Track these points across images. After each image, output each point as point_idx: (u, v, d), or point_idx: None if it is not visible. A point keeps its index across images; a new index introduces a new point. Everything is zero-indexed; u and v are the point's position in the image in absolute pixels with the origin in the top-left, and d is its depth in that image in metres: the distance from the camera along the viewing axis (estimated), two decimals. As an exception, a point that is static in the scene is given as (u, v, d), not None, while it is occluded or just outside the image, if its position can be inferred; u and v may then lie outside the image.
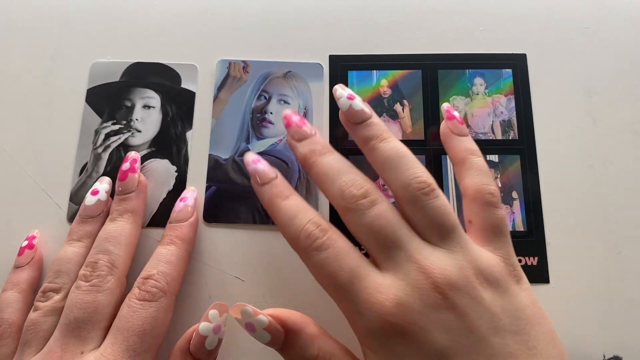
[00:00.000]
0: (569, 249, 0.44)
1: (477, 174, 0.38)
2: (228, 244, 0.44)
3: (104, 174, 0.45)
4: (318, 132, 0.40)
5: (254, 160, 0.40)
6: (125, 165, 0.42)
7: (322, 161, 0.38)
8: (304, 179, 0.45)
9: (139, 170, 0.43)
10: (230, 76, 0.49)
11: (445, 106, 0.42)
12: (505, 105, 0.47)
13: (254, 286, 0.43)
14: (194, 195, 0.44)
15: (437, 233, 0.35)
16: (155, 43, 0.50)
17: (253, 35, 0.50)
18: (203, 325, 0.36)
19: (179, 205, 0.43)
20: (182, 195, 0.44)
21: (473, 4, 0.51)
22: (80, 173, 0.46)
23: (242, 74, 0.49)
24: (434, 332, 0.32)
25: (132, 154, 0.43)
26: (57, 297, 0.38)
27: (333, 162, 0.38)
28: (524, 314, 0.33)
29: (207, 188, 0.45)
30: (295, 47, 0.49)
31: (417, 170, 0.36)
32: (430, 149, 0.46)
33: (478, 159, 0.39)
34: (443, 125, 0.42)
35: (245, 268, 0.43)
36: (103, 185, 0.43)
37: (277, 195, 0.38)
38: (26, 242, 0.43)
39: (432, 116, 0.47)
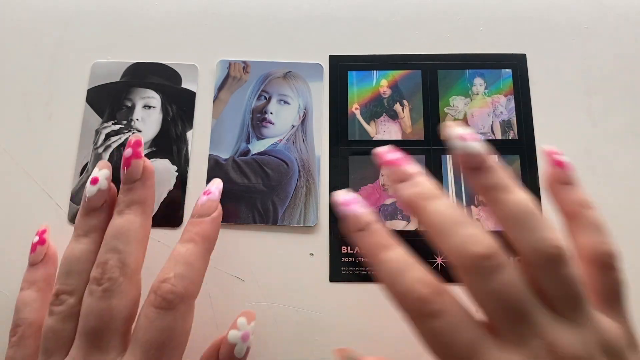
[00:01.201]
0: (568, 248, 0.44)
1: (592, 231, 0.35)
2: (228, 243, 0.44)
3: None
4: (422, 170, 0.36)
5: (345, 202, 0.36)
6: (128, 152, 0.39)
7: (433, 208, 0.33)
8: (304, 179, 0.46)
9: (143, 155, 0.39)
10: (230, 76, 0.49)
11: (547, 149, 0.38)
12: (505, 106, 0.48)
13: (254, 286, 0.43)
14: (219, 187, 0.41)
15: (569, 305, 0.32)
16: (155, 43, 0.50)
17: (253, 35, 0.50)
18: (232, 333, 0.35)
19: (202, 198, 0.40)
20: (207, 188, 0.41)
21: (473, 4, 0.51)
22: (81, 173, 0.46)
23: (242, 74, 0.49)
24: None
25: (134, 137, 0.40)
26: (71, 301, 0.36)
27: (446, 210, 0.33)
28: None
29: None
30: (295, 47, 0.50)
31: (549, 232, 0.32)
32: (430, 149, 0.46)
33: (592, 213, 0.36)
34: (548, 173, 0.38)
35: (245, 268, 0.44)
36: (102, 171, 0.40)
37: (380, 246, 0.34)
38: (37, 238, 0.41)
39: (431, 116, 0.47)
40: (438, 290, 0.32)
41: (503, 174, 0.34)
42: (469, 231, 0.32)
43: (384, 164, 0.36)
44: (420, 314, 0.31)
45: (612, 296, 0.34)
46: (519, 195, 0.33)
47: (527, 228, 0.32)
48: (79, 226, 0.39)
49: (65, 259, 0.38)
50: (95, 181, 0.39)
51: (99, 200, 0.39)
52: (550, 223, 0.33)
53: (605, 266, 0.34)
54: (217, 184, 0.41)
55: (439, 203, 0.34)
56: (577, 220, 0.36)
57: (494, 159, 0.34)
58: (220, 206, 0.40)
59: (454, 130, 0.35)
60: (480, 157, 0.34)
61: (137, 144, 0.39)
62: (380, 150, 0.37)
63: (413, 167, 0.35)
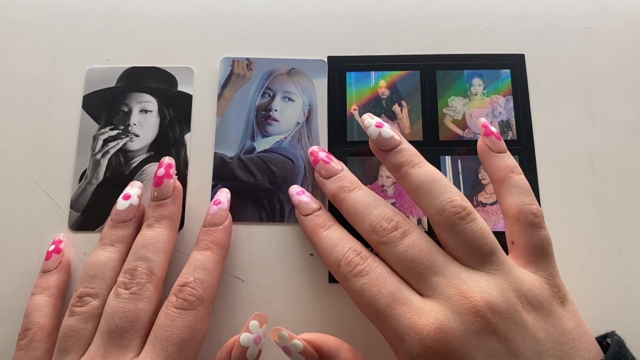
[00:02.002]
0: (568, 249, 0.45)
1: (518, 193, 0.39)
2: (233, 242, 0.45)
3: (103, 180, 0.47)
4: (345, 167, 0.44)
5: (297, 192, 0.44)
6: (161, 171, 0.43)
7: (351, 197, 0.41)
8: (310, 176, 0.47)
9: (174, 176, 0.43)
10: (234, 74, 0.50)
11: (481, 121, 0.43)
12: (504, 106, 0.49)
13: (254, 286, 0.44)
14: (227, 197, 0.44)
15: (476, 257, 0.36)
16: (150, 47, 0.51)
17: (252, 36, 0.51)
18: (244, 336, 0.37)
19: (212, 208, 0.43)
20: (215, 198, 0.44)
21: (472, 4, 0.52)
22: (80, 180, 0.47)
23: (246, 71, 0.50)
24: (477, 358, 0.33)
25: (167, 160, 0.44)
26: (95, 302, 0.39)
27: (362, 198, 0.40)
28: (568, 338, 0.34)
29: (213, 187, 0.47)
30: (294, 49, 0.51)
31: (451, 194, 0.37)
32: (429, 150, 0.47)
33: (518, 177, 0.40)
34: (480, 142, 0.42)
35: (245, 268, 0.45)
36: (135, 189, 0.44)
37: (319, 226, 0.41)
38: (53, 246, 0.44)
39: (430, 117, 0.48)
40: (364, 255, 0.38)
41: (413, 152, 0.40)
42: (379, 211, 0.39)
43: (313, 162, 0.44)
44: (348, 275, 0.37)
45: (537, 252, 0.38)
46: (426, 167, 0.39)
47: (432, 194, 0.38)
48: (106, 236, 0.42)
49: (91, 264, 0.41)
50: (127, 197, 0.43)
51: (129, 214, 0.43)
52: (453, 187, 0.38)
53: (530, 224, 0.38)
54: (225, 194, 0.45)
55: (357, 193, 0.41)
56: (505, 184, 0.40)
57: (406, 142, 0.41)
58: (230, 215, 0.44)
59: (370, 120, 0.42)
60: (395, 140, 0.41)
61: (170, 166, 0.44)
62: (313, 149, 0.45)
63: (338, 164, 0.44)
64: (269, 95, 0.50)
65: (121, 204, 0.43)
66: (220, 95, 0.50)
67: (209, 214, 0.43)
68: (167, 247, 0.42)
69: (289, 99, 0.49)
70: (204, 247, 0.41)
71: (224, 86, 0.50)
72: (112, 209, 0.43)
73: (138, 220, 0.44)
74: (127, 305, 0.38)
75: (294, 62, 0.50)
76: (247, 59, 0.51)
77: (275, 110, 0.49)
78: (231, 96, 0.50)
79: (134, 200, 0.43)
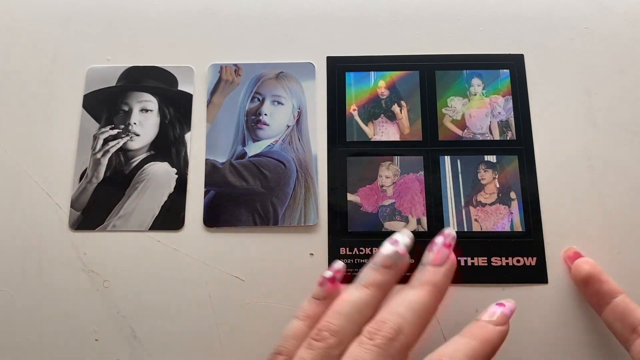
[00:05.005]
0: (567, 248, 0.45)
1: None
2: (229, 245, 0.46)
3: (103, 179, 0.47)
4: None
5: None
6: (439, 239, 0.41)
7: None
8: (302, 179, 0.47)
9: (451, 249, 0.41)
10: (223, 80, 0.51)
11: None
12: (503, 106, 0.49)
13: (254, 286, 0.45)
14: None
15: None
16: (151, 47, 0.52)
17: (251, 37, 0.52)
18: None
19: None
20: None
21: (471, 4, 0.53)
22: (80, 179, 0.48)
23: (234, 77, 0.51)
24: None
25: (450, 232, 0.42)
26: (331, 341, 0.37)
27: None
28: None
29: (206, 193, 0.47)
30: (293, 48, 0.52)
31: None
32: (429, 150, 0.48)
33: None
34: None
35: (245, 268, 0.45)
36: (404, 238, 0.41)
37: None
38: (330, 274, 0.41)
39: (429, 117, 0.49)
40: None
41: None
42: None
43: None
44: None
45: None
46: None
47: None
48: (364, 277, 0.40)
49: (341, 301, 0.39)
50: (395, 242, 0.41)
51: (390, 260, 0.40)
52: None
53: None
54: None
55: None
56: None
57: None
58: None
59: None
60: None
61: (453, 238, 0.42)
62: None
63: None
64: (258, 99, 0.50)
65: (386, 248, 0.41)
66: (209, 102, 0.50)
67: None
68: (424, 313, 0.38)
69: (279, 103, 0.50)
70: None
71: (212, 92, 0.50)
72: (378, 251, 0.41)
73: (400, 270, 0.41)
74: (366, 357, 0.35)
75: (282, 66, 0.51)
76: (235, 65, 0.51)
77: (265, 115, 0.49)
78: (220, 102, 0.50)
79: (400, 247, 0.41)
